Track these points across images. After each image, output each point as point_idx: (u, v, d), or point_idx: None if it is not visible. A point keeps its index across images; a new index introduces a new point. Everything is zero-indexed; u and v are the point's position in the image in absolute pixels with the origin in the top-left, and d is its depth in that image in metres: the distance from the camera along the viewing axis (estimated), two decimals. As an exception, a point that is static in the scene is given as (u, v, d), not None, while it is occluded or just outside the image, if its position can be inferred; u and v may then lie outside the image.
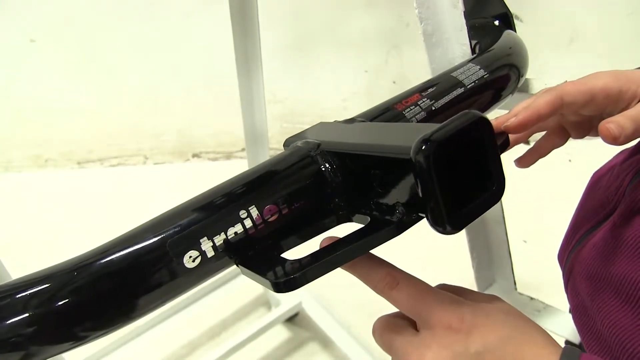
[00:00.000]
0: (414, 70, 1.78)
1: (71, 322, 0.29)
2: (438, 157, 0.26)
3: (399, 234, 0.30)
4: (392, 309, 0.33)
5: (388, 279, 0.31)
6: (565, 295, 0.50)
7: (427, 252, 1.08)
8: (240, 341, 1.10)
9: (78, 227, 1.54)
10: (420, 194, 0.27)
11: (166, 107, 1.86)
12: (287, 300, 1.19)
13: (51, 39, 1.77)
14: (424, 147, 0.26)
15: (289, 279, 0.27)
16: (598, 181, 0.51)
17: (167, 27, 1.78)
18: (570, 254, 0.48)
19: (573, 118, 0.44)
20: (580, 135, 0.46)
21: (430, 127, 0.27)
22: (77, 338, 0.30)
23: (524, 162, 0.48)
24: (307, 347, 1.22)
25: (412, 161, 0.26)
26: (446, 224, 0.27)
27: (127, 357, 1.10)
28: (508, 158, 0.47)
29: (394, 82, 1.85)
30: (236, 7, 0.84)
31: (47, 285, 0.29)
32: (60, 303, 0.28)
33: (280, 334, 1.25)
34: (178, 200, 0.33)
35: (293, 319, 1.26)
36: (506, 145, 0.37)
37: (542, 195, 1.63)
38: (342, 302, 1.25)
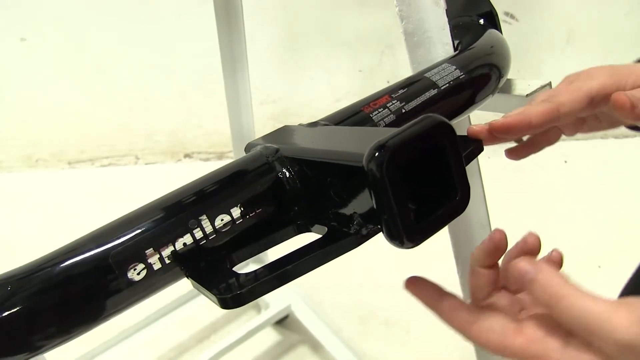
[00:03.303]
0: (408, 70, 1.75)
1: (7, 337, 0.27)
2: (392, 165, 0.24)
3: (357, 246, 0.28)
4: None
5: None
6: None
7: (419, 253, 1.06)
8: (229, 344, 1.08)
9: (68, 228, 1.51)
10: (374, 205, 0.25)
11: (158, 107, 1.84)
12: (277, 303, 1.17)
13: (42, 38, 1.75)
14: (377, 155, 0.24)
15: (236, 294, 0.26)
16: None
17: (159, 27, 1.77)
18: None
19: (568, 121, 0.43)
20: (573, 132, 0.45)
21: (387, 132, 0.25)
22: (17, 352, 0.28)
23: (514, 153, 0.45)
24: (296, 350, 1.21)
25: (365, 169, 0.24)
26: (403, 238, 0.25)
27: (114, 359, 1.09)
28: (499, 152, 0.45)
29: (388, 82, 1.82)
30: (221, 6, 0.83)
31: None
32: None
33: (270, 337, 1.23)
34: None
35: (283, 322, 1.24)
36: (478, 152, 0.35)
37: (537, 196, 1.61)
38: (333, 304, 1.24)
